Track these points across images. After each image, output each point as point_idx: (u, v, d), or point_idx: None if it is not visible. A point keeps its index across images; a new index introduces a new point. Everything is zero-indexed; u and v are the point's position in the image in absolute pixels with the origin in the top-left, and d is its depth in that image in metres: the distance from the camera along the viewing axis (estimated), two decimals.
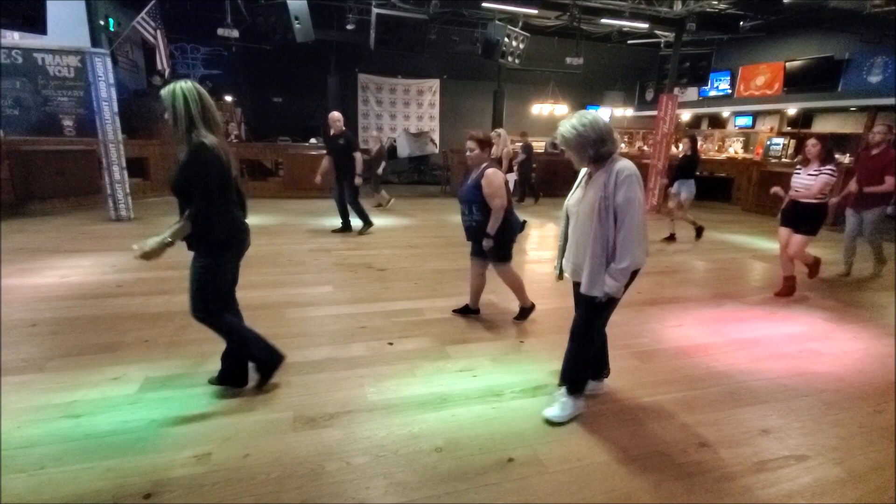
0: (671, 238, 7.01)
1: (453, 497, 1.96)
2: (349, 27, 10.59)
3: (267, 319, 3.57)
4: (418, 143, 13.80)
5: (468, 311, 3.91)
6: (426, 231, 7.30)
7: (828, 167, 4.28)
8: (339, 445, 2.24)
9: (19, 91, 8.06)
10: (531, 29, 10.81)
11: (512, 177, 7.95)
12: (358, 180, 6.47)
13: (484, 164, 3.41)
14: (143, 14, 8.25)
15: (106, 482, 1.97)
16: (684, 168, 6.72)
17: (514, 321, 3.80)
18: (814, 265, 4.81)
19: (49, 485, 1.95)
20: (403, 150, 13.46)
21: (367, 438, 2.30)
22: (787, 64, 11.33)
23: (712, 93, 13.45)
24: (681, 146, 7.14)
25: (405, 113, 14.67)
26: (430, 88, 14.64)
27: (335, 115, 6.42)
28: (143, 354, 3.07)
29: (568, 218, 2.46)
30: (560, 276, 2.63)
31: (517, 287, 3.75)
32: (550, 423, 2.46)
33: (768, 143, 12.33)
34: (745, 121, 13.48)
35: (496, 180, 3.33)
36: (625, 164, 2.19)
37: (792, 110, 12.06)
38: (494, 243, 3.42)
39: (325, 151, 6.84)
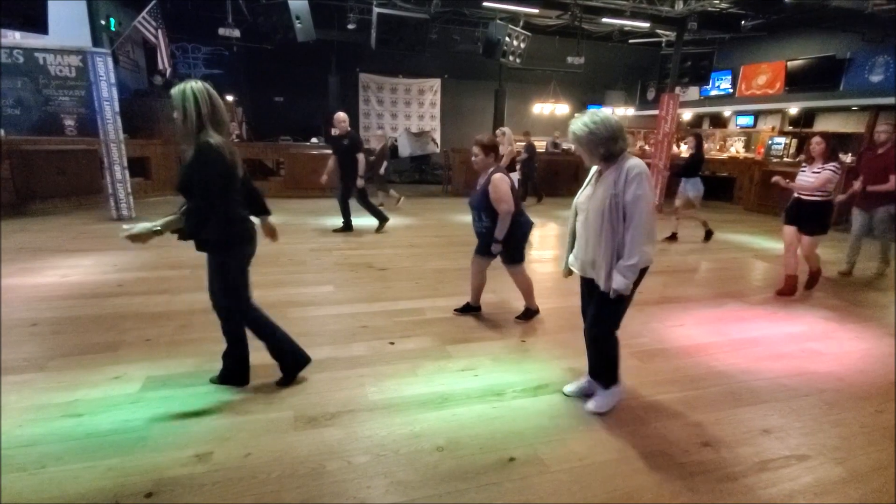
0: (673, 237, 6.99)
1: (454, 496, 1.96)
2: (350, 27, 10.58)
3: None
4: (419, 143, 13.80)
5: (470, 309, 3.91)
6: (427, 230, 7.30)
7: (831, 164, 4.29)
8: (340, 445, 2.24)
9: (20, 91, 8.07)
10: (532, 28, 10.80)
11: (515, 176, 7.94)
12: (360, 182, 6.47)
13: (490, 170, 3.41)
14: (144, 14, 8.25)
15: (107, 481, 1.97)
16: (689, 167, 6.71)
17: (515, 320, 3.80)
18: (815, 274, 4.78)
19: (50, 484, 1.95)
20: (404, 149, 13.46)
21: (368, 438, 2.30)
22: (789, 63, 11.30)
23: (714, 92, 13.43)
24: (684, 145, 7.13)
25: (406, 112, 14.66)
26: (432, 88, 14.63)
27: (340, 115, 6.44)
28: (144, 354, 3.07)
29: (577, 215, 2.48)
30: (567, 272, 2.62)
31: (527, 289, 3.76)
32: (594, 414, 2.54)
33: (770, 142, 12.31)
34: (746, 120, 13.45)
35: (502, 186, 3.33)
36: (635, 162, 2.21)
37: (793, 110, 12.03)
38: (506, 246, 3.44)
39: (326, 151, 6.85)
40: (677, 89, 10.17)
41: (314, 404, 2.56)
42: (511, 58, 9.72)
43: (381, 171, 8.95)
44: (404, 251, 5.97)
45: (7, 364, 2.87)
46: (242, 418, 2.43)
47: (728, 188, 10.98)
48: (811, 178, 4.38)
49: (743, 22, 9.87)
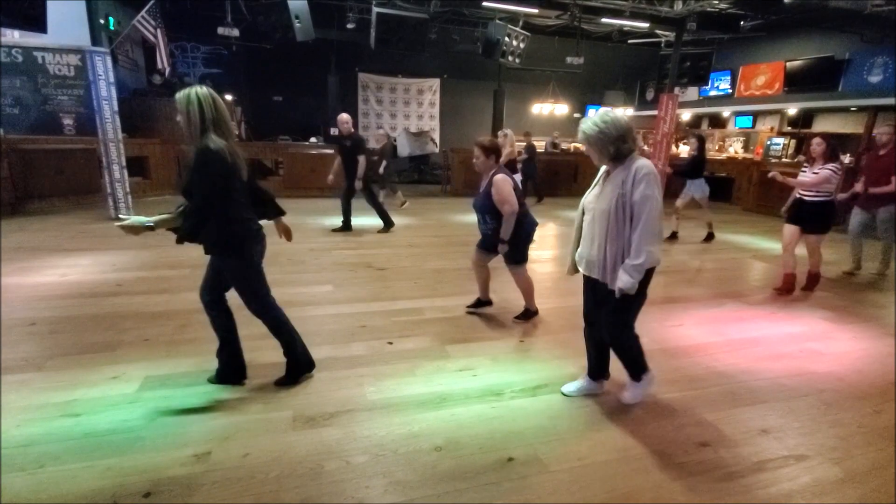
0: (674, 237, 7.01)
1: (453, 496, 1.96)
2: (349, 26, 10.57)
3: None
4: (418, 143, 13.79)
5: (481, 304, 3.94)
6: (426, 230, 7.30)
7: (831, 165, 4.31)
8: (338, 444, 2.24)
9: (19, 90, 8.05)
10: (532, 28, 10.80)
11: (516, 177, 7.94)
12: (357, 184, 6.47)
13: (492, 172, 3.42)
14: (143, 13, 8.25)
15: (105, 481, 1.97)
16: (692, 168, 6.71)
17: (514, 320, 3.80)
18: (814, 276, 4.80)
19: (48, 483, 1.95)
20: (404, 149, 13.45)
21: (366, 437, 2.30)
22: (788, 64, 11.32)
23: (713, 92, 13.44)
24: (684, 146, 7.14)
25: (405, 112, 14.66)
26: (431, 88, 14.63)
27: (343, 116, 6.46)
28: (142, 353, 3.07)
29: (584, 214, 2.49)
30: (573, 270, 2.64)
31: (527, 290, 3.76)
32: (635, 405, 2.63)
33: (768, 142, 12.32)
34: (745, 121, 13.47)
35: (505, 187, 3.34)
36: (643, 163, 2.22)
37: (792, 110, 12.05)
38: (509, 246, 3.45)
39: (325, 150, 6.86)
40: (676, 90, 10.17)
41: (313, 404, 2.56)
42: (510, 58, 9.72)
43: (381, 170, 8.95)
44: (403, 251, 5.97)
45: (5, 364, 2.87)
46: (241, 418, 2.42)
47: (727, 189, 11.00)
48: (810, 177, 4.41)
49: (742, 22, 9.87)
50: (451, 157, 11.46)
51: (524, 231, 3.50)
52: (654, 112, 10.86)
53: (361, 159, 6.36)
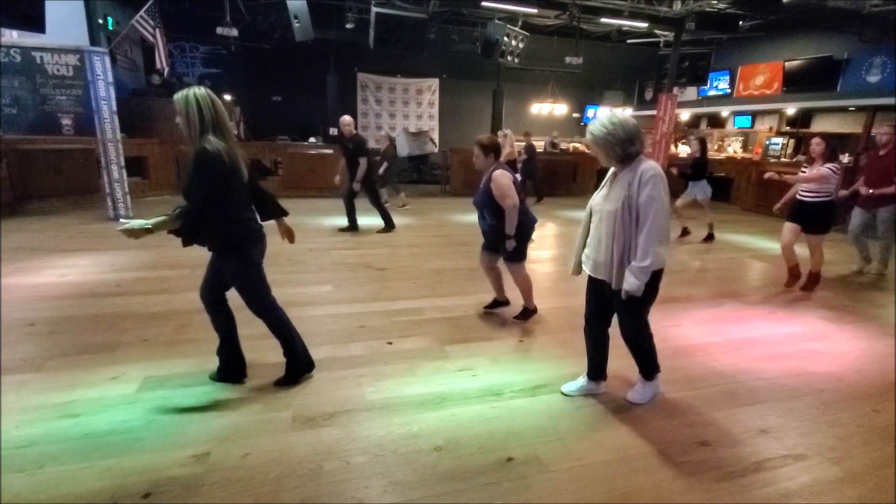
0: (685, 233, 7.07)
1: (452, 496, 1.96)
2: (348, 26, 10.57)
3: None
4: (418, 143, 13.78)
5: (498, 304, 3.95)
6: (425, 230, 7.30)
7: (830, 164, 4.33)
8: (338, 445, 2.24)
9: (17, 90, 8.03)
10: (531, 28, 10.81)
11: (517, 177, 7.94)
12: (356, 186, 6.47)
13: (492, 168, 3.42)
14: (141, 13, 8.23)
15: (104, 482, 1.97)
16: (694, 170, 6.71)
17: (513, 319, 3.80)
18: (814, 277, 4.82)
19: (48, 484, 1.95)
20: (403, 149, 13.44)
21: (365, 438, 2.30)
22: (787, 63, 11.33)
23: (711, 92, 13.45)
24: (683, 146, 7.15)
25: (404, 112, 14.65)
26: (430, 88, 14.63)
27: (345, 119, 6.48)
28: (142, 354, 3.07)
29: (591, 215, 2.52)
30: (577, 271, 2.66)
31: (526, 288, 3.76)
32: (635, 404, 2.63)
33: (767, 142, 12.34)
34: (744, 120, 13.48)
35: (504, 182, 3.34)
36: (650, 165, 2.24)
37: (791, 110, 12.06)
38: (514, 239, 3.44)
39: (324, 151, 6.86)
40: (675, 89, 10.19)
41: (312, 404, 2.56)
42: (509, 58, 9.72)
43: (381, 171, 8.96)
44: (403, 251, 5.96)
45: (4, 364, 2.87)
46: (240, 418, 2.42)
47: (725, 188, 11.01)
48: (807, 173, 4.44)
49: (741, 22, 9.89)
50: (451, 156, 11.46)
51: (524, 229, 3.50)
52: (653, 112, 10.88)
53: (363, 161, 6.36)
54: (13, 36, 7.70)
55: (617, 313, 2.51)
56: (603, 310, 2.58)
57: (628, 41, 12.82)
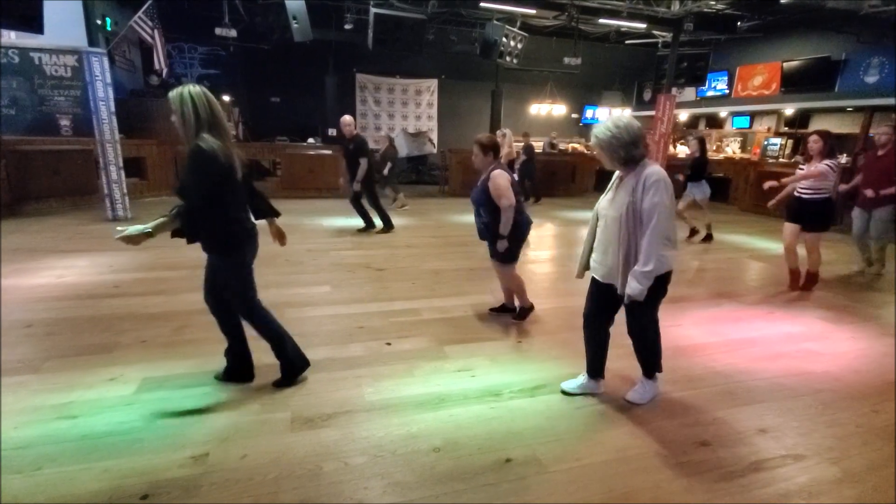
0: (694, 233, 7.08)
1: (451, 497, 1.95)
2: (347, 27, 10.58)
3: None
4: (416, 143, 13.80)
5: (505, 310, 3.93)
6: (424, 231, 7.30)
7: (828, 161, 4.32)
8: (336, 446, 2.24)
9: (16, 90, 8.03)
10: (529, 29, 10.81)
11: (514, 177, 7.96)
12: (356, 186, 6.46)
13: (491, 167, 3.43)
14: (140, 13, 8.21)
15: (103, 483, 1.96)
16: (694, 169, 6.72)
17: (512, 320, 3.80)
18: (812, 276, 4.83)
19: (46, 486, 1.94)
20: (402, 149, 13.46)
21: (364, 438, 2.30)
22: (785, 64, 11.36)
23: (710, 93, 13.47)
24: (682, 146, 7.16)
25: (403, 113, 14.66)
26: (429, 88, 14.64)
27: (346, 119, 6.48)
28: (140, 355, 3.06)
29: (597, 219, 2.53)
30: (582, 273, 2.66)
31: (518, 288, 3.76)
32: (634, 405, 2.63)
33: (766, 143, 12.36)
34: (742, 121, 13.51)
35: (501, 181, 3.34)
36: (654, 169, 2.25)
37: (789, 110, 12.09)
38: (507, 240, 3.44)
39: (323, 151, 6.86)
40: (673, 90, 10.21)
41: (311, 405, 2.56)
42: (508, 58, 9.73)
43: (385, 171, 8.96)
44: (401, 251, 5.96)
45: (2, 366, 2.86)
46: (239, 420, 2.42)
47: (724, 189, 11.02)
48: (805, 171, 4.44)
49: (739, 23, 9.91)
50: (449, 157, 11.47)
51: (519, 230, 3.49)
52: (652, 112, 10.89)
53: (363, 162, 6.36)
54: (11, 37, 7.70)
55: (626, 312, 2.51)
56: (604, 310, 2.59)
57: (627, 42, 12.84)
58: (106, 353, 3.06)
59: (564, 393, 2.75)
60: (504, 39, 9.41)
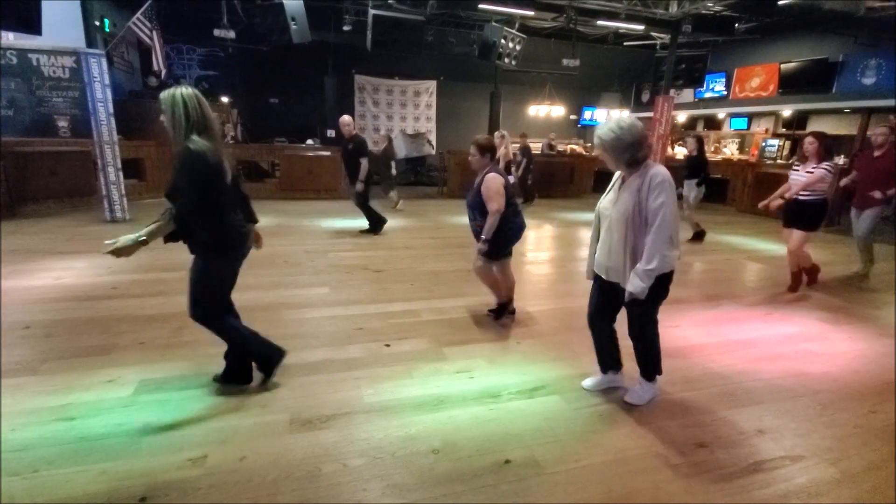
0: (700, 236, 7.06)
1: (450, 499, 1.95)
2: (346, 28, 10.58)
3: (263, 321, 3.55)
4: (415, 145, 13.81)
5: (504, 311, 3.91)
6: (423, 232, 7.30)
7: (825, 164, 4.31)
8: (335, 447, 2.23)
9: (14, 92, 8.01)
10: (527, 30, 10.84)
11: (510, 179, 7.97)
12: (359, 186, 6.45)
13: (486, 170, 3.43)
14: (138, 15, 8.21)
15: (100, 485, 1.96)
16: (690, 168, 6.73)
17: (487, 313, 3.80)
18: (813, 271, 4.85)
19: (43, 488, 1.93)
20: (400, 151, 13.47)
21: (363, 440, 2.29)
22: (782, 66, 11.40)
23: (708, 94, 13.52)
24: (681, 147, 7.18)
25: (402, 114, 14.67)
26: (427, 90, 14.65)
27: (345, 119, 6.46)
28: (138, 357, 3.05)
29: (599, 220, 2.54)
30: (591, 275, 2.68)
31: (494, 285, 3.73)
32: (632, 406, 2.63)
33: (763, 144, 12.40)
34: (740, 122, 13.55)
35: (493, 185, 3.35)
36: (659, 170, 2.28)
37: (787, 112, 12.12)
38: (491, 242, 3.43)
39: (321, 153, 6.85)
40: (672, 91, 10.23)
41: (310, 407, 2.55)
42: (506, 60, 9.75)
43: (392, 171, 8.99)
44: (400, 253, 5.96)
45: (0, 367, 2.85)
46: (237, 421, 2.41)
47: (722, 190, 11.04)
48: (805, 178, 4.41)
49: (736, 25, 9.96)
50: (448, 158, 11.47)
51: (507, 231, 3.48)
52: (650, 114, 10.91)
53: (364, 162, 6.35)
54: (9, 38, 7.69)
55: (627, 311, 2.52)
56: (607, 309, 2.61)
57: (625, 43, 12.88)
58: (104, 355, 3.06)
59: (586, 390, 2.80)
60: (503, 41, 9.43)
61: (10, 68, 7.91)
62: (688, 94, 13.75)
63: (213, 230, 2.32)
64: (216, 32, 8.79)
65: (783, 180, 4.84)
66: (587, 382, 2.83)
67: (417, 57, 9.67)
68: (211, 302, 2.48)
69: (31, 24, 6.00)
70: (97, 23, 6.98)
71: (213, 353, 2.81)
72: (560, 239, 7.32)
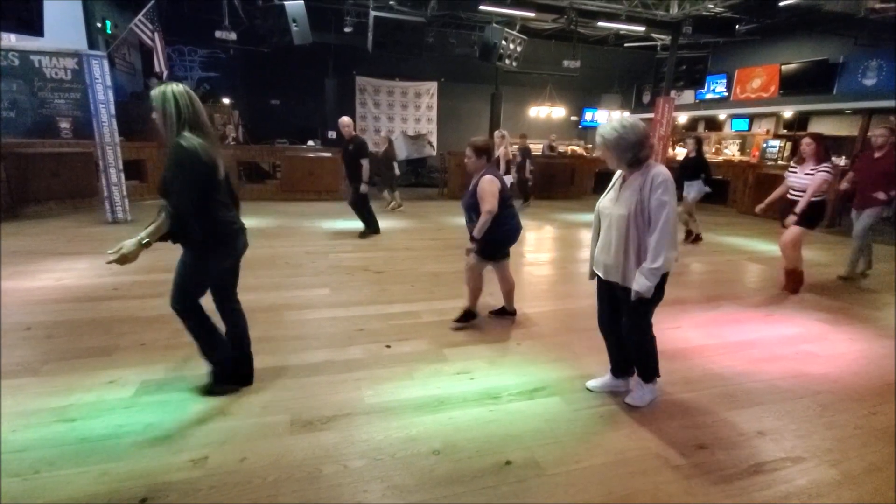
0: (697, 238, 7.05)
1: (451, 500, 1.95)
2: (347, 30, 10.61)
3: (264, 322, 3.56)
4: (416, 146, 13.82)
5: (505, 313, 3.91)
6: (423, 233, 7.31)
7: (824, 165, 4.30)
8: (336, 448, 2.24)
9: (15, 93, 8.03)
10: (528, 32, 10.86)
11: (509, 178, 7.97)
12: (363, 187, 6.44)
13: (482, 172, 3.43)
14: (140, 16, 8.25)
15: (101, 486, 1.96)
16: (689, 169, 6.74)
17: (453, 322, 3.71)
18: (797, 279, 4.78)
19: (44, 489, 1.94)
20: (401, 152, 13.48)
21: (364, 441, 2.30)
22: (783, 67, 11.40)
23: (709, 95, 13.53)
24: (681, 148, 7.19)
25: (403, 115, 14.69)
26: (428, 91, 14.67)
27: (344, 119, 6.45)
28: (139, 358, 3.06)
29: (600, 219, 2.54)
30: (593, 275, 2.68)
31: (473, 289, 3.66)
32: (633, 407, 2.63)
33: (764, 145, 12.40)
34: (741, 123, 13.55)
35: (488, 187, 3.35)
36: (660, 170, 2.29)
37: (788, 113, 12.12)
38: (484, 242, 3.43)
39: (322, 154, 6.85)
40: (672, 93, 10.24)
41: (310, 408, 2.56)
42: (507, 61, 9.76)
43: (396, 171, 8.99)
44: (400, 254, 5.97)
45: (1, 368, 2.85)
46: (238, 423, 2.42)
47: (722, 191, 11.03)
48: (805, 180, 4.40)
49: (737, 26, 9.96)
50: (448, 160, 11.47)
51: (503, 233, 3.47)
52: (651, 115, 10.92)
53: (365, 163, 6.34)
54: (11, 39, 7.71)
55: (623, 314, 2.53)
56: (615, 310, 2.61)
57: (625, 45, 12.89)
58: (105, 356, 3.06)
59: (589, 390, 2.80)
60: (503, 42, 9.44)
61: (12, 70, 7.93)
62: (689, 96, 13.77)
63: (206, 227, 2.30)
64: (217, 34, 8.81)
65: (783, 181, 4.84)
66: (591, 383, 2.84)
67: (418, 58, 9.68)
68: (190, 296, 2.44)
69: (33, 25, 6.01)
70: (99, 24, 7.00)
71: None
72: (560, 240, 7.32)
